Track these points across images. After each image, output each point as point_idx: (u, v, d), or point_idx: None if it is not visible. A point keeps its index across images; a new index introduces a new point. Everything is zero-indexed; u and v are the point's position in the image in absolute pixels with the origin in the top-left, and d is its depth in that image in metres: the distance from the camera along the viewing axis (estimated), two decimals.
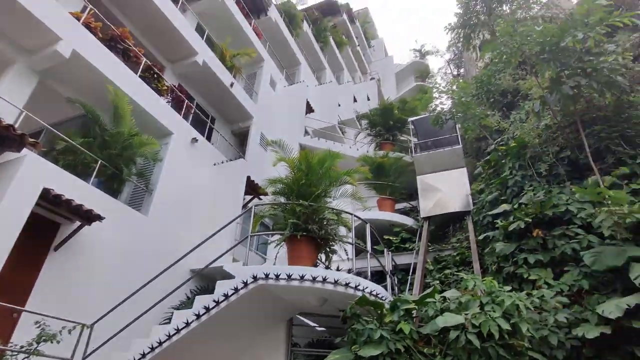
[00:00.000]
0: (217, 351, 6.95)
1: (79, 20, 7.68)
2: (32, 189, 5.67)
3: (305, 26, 20.82)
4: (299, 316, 7.61)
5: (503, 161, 8.85)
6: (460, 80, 13.87)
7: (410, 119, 13.91)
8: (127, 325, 5.70)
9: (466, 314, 4.82)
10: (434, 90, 19.24)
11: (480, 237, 8.26)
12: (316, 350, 7.79)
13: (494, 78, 11.09)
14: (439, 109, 11.99)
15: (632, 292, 4.79)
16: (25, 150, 5.80)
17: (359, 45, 30.11)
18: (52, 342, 4.66)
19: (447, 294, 5.54)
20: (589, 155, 6.93)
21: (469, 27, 15.12)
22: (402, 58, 44.60)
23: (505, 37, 8.11)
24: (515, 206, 7.28)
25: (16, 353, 4.69)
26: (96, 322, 5.60)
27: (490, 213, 8.20)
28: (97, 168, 7.34)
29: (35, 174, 5.86)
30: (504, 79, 11.54)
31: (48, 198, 5.82)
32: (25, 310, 5.41)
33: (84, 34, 7.63)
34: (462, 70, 28.19)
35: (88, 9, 8.19)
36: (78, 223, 6.41)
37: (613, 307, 4.61)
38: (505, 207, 7.55)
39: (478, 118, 10.53)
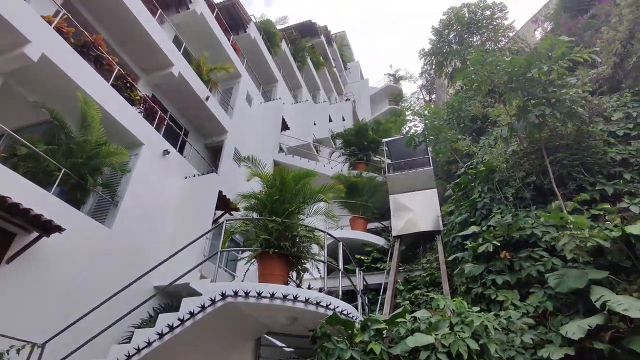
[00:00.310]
0: None
1: (50, 24, 7.43)
2: None
3: (284, 45, 21.07)
4: (267, 336, 7.39)
5: (472, 184, 9.11)
6: (432, 106, 14.35)
7: (384, 140, 14.21)
8: (82, 345, 5.32)
9: (436, 334, 4.83)
10: (407, 111, 19.80)
11: (450, 258, 8.38)
12: None
13: (464, 104, 11.54)
14: (412, 131, 12.31)
15: (593, 314, 4.95)
16: None
17: (335, 66, 30.70)
18: None
19: (418, 314, 5.54)
20: (552, 181, 7.25)
21: (442, 55, 15.82)
22: (376, 81, 45.80)
23: (475, 66, 8.50)
24: (484, 228, 7.46)
25: None
26: (48, 340, 5.21)
27: (459, 234, 8.37)
28: (60, 177, 6.98)
29: None
30: (474, 105, 12.04)
31: (4, 206, 5.46)
32: None
33: (55, 38, 7.37)
34: (433, 96, 29.23)
35: (61, 13, 7.97)
36: (35, 234, 6.02)
37: (576, 328, 4.73)
38: (474, 228, 7.73)
39: (449, 142, 10.89)
